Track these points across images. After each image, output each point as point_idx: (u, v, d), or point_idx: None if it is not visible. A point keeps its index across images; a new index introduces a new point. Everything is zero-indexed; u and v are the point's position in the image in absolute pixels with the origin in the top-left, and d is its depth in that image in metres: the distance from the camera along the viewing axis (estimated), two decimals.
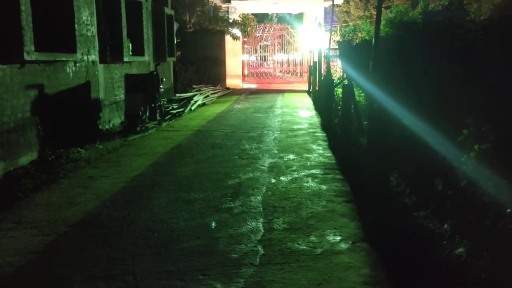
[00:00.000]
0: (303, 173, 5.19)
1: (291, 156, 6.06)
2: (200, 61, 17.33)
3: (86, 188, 4.64)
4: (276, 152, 6.34)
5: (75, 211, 3.96)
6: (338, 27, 21.23)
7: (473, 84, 4.83)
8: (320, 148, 6.64)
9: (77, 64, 6.89)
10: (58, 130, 6.23)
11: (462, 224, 3.73)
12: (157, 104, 8.40)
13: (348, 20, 22.58)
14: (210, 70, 17.91)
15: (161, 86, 8.64)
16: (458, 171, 4.27)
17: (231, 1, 21.38)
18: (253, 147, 6.67)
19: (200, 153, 6.26)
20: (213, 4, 20.74)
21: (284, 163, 5.70)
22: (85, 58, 7.13)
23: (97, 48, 7.63)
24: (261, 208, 3.99)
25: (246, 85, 21.39)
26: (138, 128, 7.64)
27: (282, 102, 13.19)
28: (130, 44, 8.79)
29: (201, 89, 14.18)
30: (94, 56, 7.50)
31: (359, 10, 21.02)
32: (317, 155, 6.17)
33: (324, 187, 4.66)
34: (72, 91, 6.75)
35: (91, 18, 7.35)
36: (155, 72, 8.27)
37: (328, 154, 6.21)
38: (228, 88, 18.23)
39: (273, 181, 4.85)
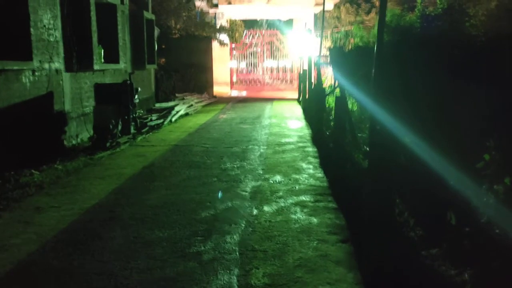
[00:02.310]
0: (291, 201, 4.44)
1: (278, 178, 5.32)
2: (185, 68, 16.58)
3: (28, 224, 3.84)
4: (261, 172, 5.59)
5: (4, 260, 3.15)
6: (328, 33, 20.66)
7: (486, 100, 4.16)
8: (311, 166, 5.90)
9: (36, 73, 6.08)
10: (10, 149, 5.42)
11: (486, 274, 3.02)
12: (131, 116, 7.62)
13: (339, 25, 22.04)
14: (196, 77, 17.17)
15: (136, 97, 7.86)
16: (476, 203, 3.57)
17: (219, 6, 20.69)
18: (235, 166, 5.92)
19: (174, 174, 5.49)
20: (199, 9, 20.04)
21: (269, 187, 4.95)
22: (46, 66, 6.33)
23: (62, 55, 6.83)
24: (237, 253, 3.23)
25: (235, 93, 20.68)
26: (108, 144, 6.84)
27: (271, 112, 12.47)
28: (102, 51, 8.01)
29: (185, 97, 13.42)
30: (58, 64, 6.70)
31: (350, 16, 20.49)
32: (307, 175, 5.43)
33: (315, 220, 3.91)
34: (29, 104, 5.94)
35: (54, 21, 6.56)
36: (128, 81, 7.49)
37: (320, 175, 5.48)
38: (215, 96, 17.49)
39: (255, 213, 4.10)
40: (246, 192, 4.74)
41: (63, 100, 6.91)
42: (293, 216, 4.01)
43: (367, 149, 6.80)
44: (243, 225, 3.78)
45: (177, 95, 13.65)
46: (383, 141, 3.25)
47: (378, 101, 3.19)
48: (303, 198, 4.54)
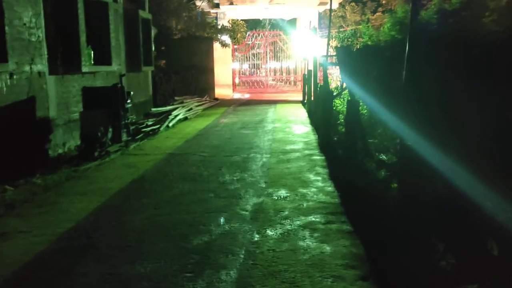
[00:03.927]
0: (298, 222, 3.82)
1: (283, 193, 4.70)
2: (185, 70, 15.99)
3: None
4: (264, 186, 4.98)
5: None
6: (333, 33, 20.05)
7: None
8: (319, 178, 5.28)
9: (15, 76, 5.51)
10: None
11: None
12: (122, 123, 7.03)
13: (343, 25, 21.43)
14: (196, 79, 16.58)
15: (129, 101, 7.27)
16: None
17: (220, 7, 20.13)
18: (235, 178, 5.31)
19: (165, 189, 4.88)
20: (200, 10, 19.48)
21: (273, 204, 4.34)
22: (26, 68, 5.75)
23: (45, 56, 6.26)
24: None
25: (237, 95, 20.10)
26: (96, 153, 6.25)
27: (274, 115, 11.86)
28: (92, 52, 7.43)
29: (185, 101, 12.84)
30: (41, 66, 6.13)
31: (356, 15, 19.91)
32: (315, 189, 4.81)
33: (327, 248, 3.29)
34: (7, 110, 5.37)
35: (36, 19, 5.99)
36: (119, 84, 6.90)
37: (330, 189, 4.86)
38: (216, 99, 16.90)
39: (256, 239, 3.48)
40: (247, 211, 4.13)
41: (47, 105, 6.33)
42: (301, 243, 3.39)
43: (380, 157, 6.19)
44: (242, 256, 3.16)
45: (176, 98, 13.06)
46: (415, 157, 2.66)
47: (408, 109, 2.57)
48: (312, 218, 3.92)
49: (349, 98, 5.54)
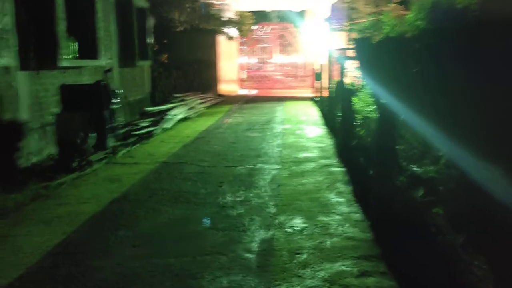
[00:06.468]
0: (322, 274, 2.81)
1: (298, 222, 3.69)
2: (188, 64, 14.99)
3: None
4: (273, 211, 3.98)
5: None
6: (345, 26, 18.91)
7: None
8: (342, 200, 4.27)
9: None
10: None
11: None
12: (108, 126, 6.04)
13: (355, 18, 20.29)
14: (200, 75, 15.57)
15: (116, 100, 6.29)
16: None
17: None
18: (238, 199, 4.31)
19: (150, 215, 3.89)
20: (204, 1, 18.43)
21: (287, 241, 3.33)
22: None
23: (15, 48, 5.28)
24: None
25: (243, 91, 19.10)
26: (75, 164, 5.28)
27: (283, 114, 10.84)
28: (76, 43, 6.44)
29: (186, 98, 11.85)
30: (8, 60, 5.15)
31: (369, 7, 18.76)
32: (339, 217, 3.80)
33: None
34: None
35: (2, 4, 5.02)
36: (103, 82, 5.91)
37: (358, 216, 3.84)
38: (221, 95, 15.91)
39: None
40: (252, 253, 3.12)
41: (18, 106, 5.36)
42: None
43: (412, 168, 5.17)
44: None
45: (176, 95, 12.07)
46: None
47: None
48: (341, 266, 2.91)
49: (382, 112, 4.46)
